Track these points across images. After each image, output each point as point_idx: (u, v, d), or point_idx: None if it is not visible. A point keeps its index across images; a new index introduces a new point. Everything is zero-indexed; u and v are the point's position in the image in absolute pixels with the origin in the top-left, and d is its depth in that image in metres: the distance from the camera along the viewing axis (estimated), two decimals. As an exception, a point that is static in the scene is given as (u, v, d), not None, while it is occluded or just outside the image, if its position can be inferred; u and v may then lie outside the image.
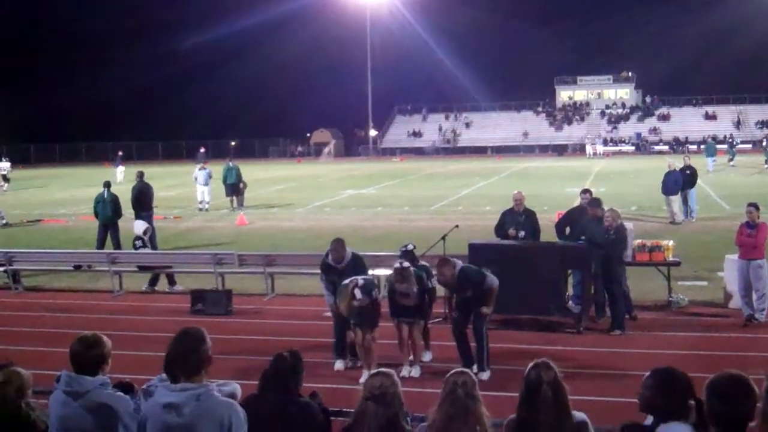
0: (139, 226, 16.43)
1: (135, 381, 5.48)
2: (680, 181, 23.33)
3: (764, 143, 51.74)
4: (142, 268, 15.94)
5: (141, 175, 21.44)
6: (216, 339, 10.53)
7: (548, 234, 14.42)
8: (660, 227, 21.88)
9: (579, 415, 4.59)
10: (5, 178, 44.65)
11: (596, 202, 12.70)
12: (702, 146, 58.15)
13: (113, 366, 5.65)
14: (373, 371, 4.95)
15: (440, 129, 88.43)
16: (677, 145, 72.62)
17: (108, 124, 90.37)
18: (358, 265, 10.37)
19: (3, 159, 49.91)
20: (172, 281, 15.80)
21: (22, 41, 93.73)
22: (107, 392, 4.72)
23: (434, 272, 10.38)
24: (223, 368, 9.08)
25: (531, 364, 4.65)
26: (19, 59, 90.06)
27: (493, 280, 9.85)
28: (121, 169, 49.55)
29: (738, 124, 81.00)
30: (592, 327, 11.81)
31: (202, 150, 58.14)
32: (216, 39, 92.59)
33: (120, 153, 58.13)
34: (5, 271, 16.10)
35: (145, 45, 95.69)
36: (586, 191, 13.81)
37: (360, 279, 9.71)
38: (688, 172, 23.89)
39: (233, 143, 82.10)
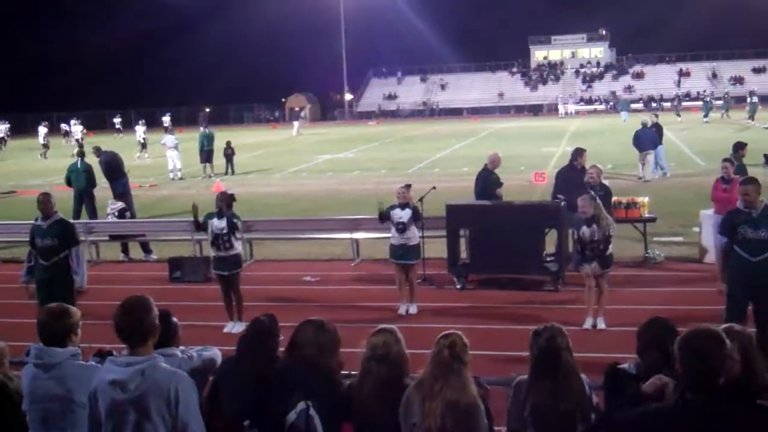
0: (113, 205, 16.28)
1: (114, 350, 5.47)
2: (656, 138, 23.52)
3: (748, 100, 51.92)
4: (114, 237, 15.80)
5: (98, 150, 19.86)
6: (195, 306, 10.56)
7: (525, 194, 14.48)
8: (635, 185, 22.03)
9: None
10: (144, 145, 42.10)
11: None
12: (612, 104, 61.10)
13: (93, 336, 5.63)
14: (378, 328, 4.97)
15: (421, 102, 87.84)
16: (648, 103, 72.57)
17: (75, 90, 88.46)
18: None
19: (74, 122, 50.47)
20: (147, 249, 15.70)
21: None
22: (78, 363, 4.66)
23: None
24: (202, 334, 9.09)
25: (542, 329, 4.71)
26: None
27: None
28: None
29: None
30: (570, 284, 11.90)
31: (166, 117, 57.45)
32: (187, 1, 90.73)
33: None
34: (-20, 244, 15.93)
35: (112, 5, 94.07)
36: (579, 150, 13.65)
37: None
38: (653, 129, 23.98)
39: (207, 109, 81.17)
